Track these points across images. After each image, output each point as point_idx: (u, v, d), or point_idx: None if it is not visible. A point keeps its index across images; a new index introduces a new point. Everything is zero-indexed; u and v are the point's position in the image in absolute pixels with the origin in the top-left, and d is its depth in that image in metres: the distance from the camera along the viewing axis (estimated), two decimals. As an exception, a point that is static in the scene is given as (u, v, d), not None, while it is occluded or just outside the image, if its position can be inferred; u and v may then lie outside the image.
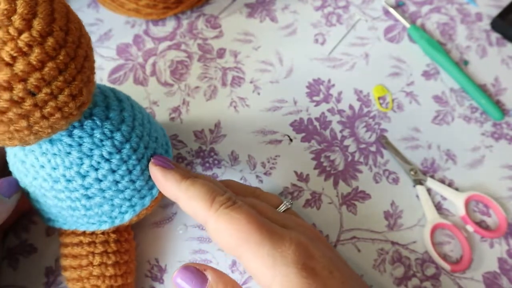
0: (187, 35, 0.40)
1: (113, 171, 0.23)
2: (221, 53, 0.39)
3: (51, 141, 0.21)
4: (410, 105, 0.37)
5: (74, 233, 0.26)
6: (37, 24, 0.17)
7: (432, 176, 0.33)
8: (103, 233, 0.26)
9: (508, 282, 0.30)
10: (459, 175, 0.34)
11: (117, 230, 0.27)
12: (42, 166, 0.22)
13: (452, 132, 0.35)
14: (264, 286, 0.20)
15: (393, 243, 0.31)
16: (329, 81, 0.37)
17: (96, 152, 0.22)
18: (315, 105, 0.36)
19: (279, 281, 0.19)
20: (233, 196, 0.22)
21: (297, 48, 0.39)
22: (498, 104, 0.36)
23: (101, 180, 0.23)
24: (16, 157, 0.24)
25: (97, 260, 0.25)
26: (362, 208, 0.32)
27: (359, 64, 0.38)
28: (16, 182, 0.25)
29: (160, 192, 0.25)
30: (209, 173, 0.33)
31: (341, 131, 0.35)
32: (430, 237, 0.30)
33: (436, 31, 0.40)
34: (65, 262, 0.26)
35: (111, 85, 0.33)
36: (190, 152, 0.34)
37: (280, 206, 0.25)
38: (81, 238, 0.26)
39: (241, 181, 0.33)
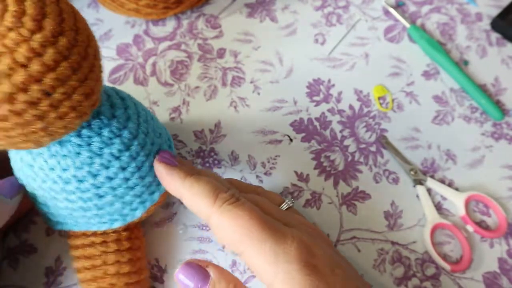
0: (187, 35, 0.40)
1: (123, 168, 0.23)
2: (221, 53, 0.39)
3: (60, 143, 0.21)
4: (410, 105, 0.37)
5: (84, 234, 0.26)
6: (48, 24, 0.17)
7: (432, 176, 0.33)
8: (114, 231, 0.26)
9: (508, 282, 0.30)
10: (459, 175, 0.34)
11: (128, 228, 0.27)
12: (52, 169, 0.22)
13: (452, 132, 0.35)
14: (266, 283, 0.20)
15: (393, 243, 0.31)
16: (329, 81, 0.37)
17: (106, 150, 0.22)
18: (315, 105, 0.36)
19: (282, 278, 0.19)
20: (236, 193, 0.22)
21: (297, 48, 0.39)
22: (498, 104, 0.36)
23: (112, 178, 0.23)
24: (22, 162, 0.23)
25: (111, 258, 0.26)
26: (362, 208, 0.32)
27: (359, 64, 0.38)
28: (18, 183, 0.25)
29: None
30: (209, 173, 0.33)
31: (341, 131, 0.35)
32: (430, 237, 0.30)
33: (436, 31, 0.40)
34: (78, 264, 0.26)
35: (111, 85, 0.33)
36: (190, 152, 0.34)
37: (282, 205, 0.25)
38: (93, 238, 0.26)
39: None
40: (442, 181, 0.33)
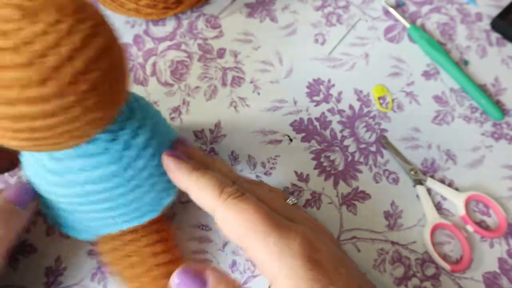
0: (187, 35, 0.40)
1: (154, 155, 0.23)
2: (221, 53, 0.39)
3: (90, 142, 0.21)
4: (410, 105, 0.37)
5: (114, 237, 0.26)
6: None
7: (432, 176, 0.33)
8: (143, 227, 0.26)
9: (508, 282, 0.30)
10: (459, 175, 0.34)
11: (154, 222, 0.26)
12: (82, 169, 0.22)
13: (452, 132, 0.35)
14: (269, 277, 0.20)
15: (393, 243, 0.31)
16: (329, 81, 0.37)
17: (133, 142, 0.22)
18: (315, 105, 0.36)
19: (285, 273, 0.19)
20: (241, 188, 0.22)
21: (297, 48, 0.39)
22: (498, 104, 0.36)
23: (143, 168, 0.23)
24: (48, 172, 0.23)
25: (148, 252, 0.25)
26: (362, 208, 0.32)
27: (359, 64, 0.38)
28: (32, 190, 0.24)
29: None
30: (209, 173, 0.33)
31: (341, 131, 0.35)
32: (430, 237, 0.30)
33: (436, 31, 0.40)
34: (115, 267, 0.26)
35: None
36: (190, 152, 0.34)
37: (287, 200, 0.25)
38: (123, 238, 0.26)
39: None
40: (442, 181, 0.33)
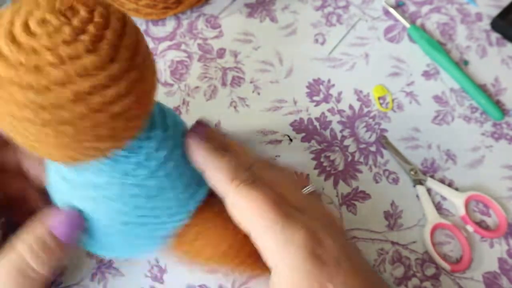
0: (187, 35, 0.40)
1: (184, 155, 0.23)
2: (221, 53, 0.39)
3: (130, 150, 0.21)
4: (410, 105, 0.36)
5: (181, 233, 0.25)
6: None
7: (432, 176, 0.33)
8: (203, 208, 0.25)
9: (508, 282, 0.30)
10: (459, 175, 0.34)
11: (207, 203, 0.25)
12: (126, 174, 0.21)
13: (452, 132, 0.35)
14: (272, 265, 0.20)
15: (393, 243, 0.31)
16: (329, 81, 0.37)
17: (170, 142, 0.22)
18: (315, 105, 0.36)
19: (286, 264, 0.20)
20: (254, 175, 0.22)
21: (297, 48, 0.39)
22: (498, 104, 0.36)
23: (179, 165, 0.23)
24: (93, 189, 0.21)
25: (222, 225, 0.25)
26: (362, 208, 0.32)
27: (359, 64, 0.38)
28: (78, 217, 0.22)
29: None
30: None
31: (341, 131, 0.35)
32: (430, 237, 0.30)
33: (436, 31, 0.40)
34: (199, 252, 0.25)
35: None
36: (190, 152, 0.34)
37: (307, 187, 0.25)
38: (200, 221, 0.25)
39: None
40: (442, 181, 0.33)
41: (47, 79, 0.15)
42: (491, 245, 0.31)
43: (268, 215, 0.20)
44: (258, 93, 0.37)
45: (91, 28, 0.16)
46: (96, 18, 0.16)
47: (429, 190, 0.33)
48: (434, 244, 0.31)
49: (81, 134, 0.17)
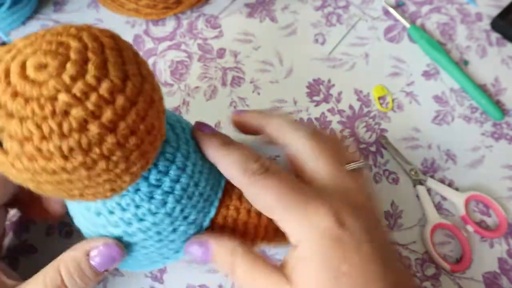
0: (187, 35, 0.40)
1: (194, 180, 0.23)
2: (221, 53, 0.39)
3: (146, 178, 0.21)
4: (410, 105, 0.36)
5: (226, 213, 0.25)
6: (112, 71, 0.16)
7: (432, 176, 0.33)
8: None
9: (508, 282, 0.30)
10: (459, 175, 0.34)
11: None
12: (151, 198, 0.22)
13: (452, 132, 0.35)
14: (293, 243, 0.21)
15: (393, 243, 0.31)
16: (329, 81, 0.37)
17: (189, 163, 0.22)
18: (315, 105, 0.36)
19: (306, 244, 0.20)
20: (266, 163, 0.22)
21: (297, 48, 0.39)
22: (498, 104, 0.36)
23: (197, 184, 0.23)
24: (110, 214, 0.22)
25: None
26: (362, 208, 0.32)
27: (359, 64, 0.38)
28: (117, 250, 0.22)
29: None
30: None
31: (341, 131, 0.35)
32: (430, 237, 0.30)
33: (436, 31, 0.40)
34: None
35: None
36: (190, 152, 0.34)
37: (351, 164, 0.24)
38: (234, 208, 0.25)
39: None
40: (442, 181, 0.33)
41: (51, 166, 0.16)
42: (491, 245, 0.31)
43: (285, 199, 0.21)
44: (258, 93, 0.37)
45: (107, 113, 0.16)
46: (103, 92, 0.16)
47: (429, 190, 0.33)
48: (434, 244, 0.31)
49: (82, 182, 0.17)
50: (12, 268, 0.29)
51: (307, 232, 0.20)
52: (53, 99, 0.15)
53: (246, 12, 0.41)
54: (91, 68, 0.16)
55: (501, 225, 0.31)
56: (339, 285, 0.19)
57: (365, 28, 0.40)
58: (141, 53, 0.38)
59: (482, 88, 0.37)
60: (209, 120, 0.35)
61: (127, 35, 0.39)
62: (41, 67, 0.15)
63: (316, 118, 0.36)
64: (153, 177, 0.21)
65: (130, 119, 0.16)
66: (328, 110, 0.36)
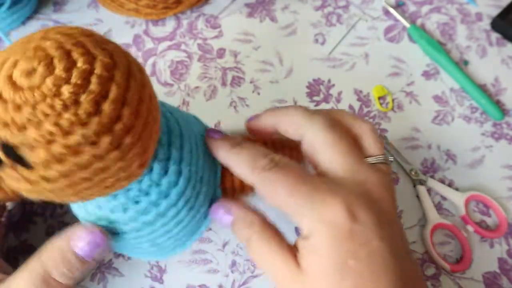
0: (187, 35, 0.40)
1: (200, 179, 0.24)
2: (221, 53, 0.39)
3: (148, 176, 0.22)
4: (410, 105, 0.36)
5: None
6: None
7: (432, 176, 0.33)
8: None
9: (508, 282, 0.30)
10: (459, 175, 0.34)
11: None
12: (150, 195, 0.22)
13: (452, 132, 0.35)
14: (305, 234, 0.21)
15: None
16: (329, 81, 0.37)
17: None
18: (315, 105, 0.36)
19: (317, 236, 0.20)
20: (276, 158, 0.22)
21: (297, 48, 0.39)
22: (498, 104, 0.36)
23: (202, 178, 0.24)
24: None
25: None
26: (362, 208, 0.32)
27: (359, 64, 0.38)
28: (101, 237, 0.22)
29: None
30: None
31: (341, 131, 0.35)
32: (430, 237, 0.30)
33: (436, 31, 0.40)
34: None
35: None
36: (190, 152, 0.34)
37: (370, 158, 0.23)
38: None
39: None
40: (442, 181, 0.33)
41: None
42: (491, 245, 0.31)
43: (296, 192, 0.21)
44: (258, 93, 0.37)
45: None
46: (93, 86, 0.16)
47: (429, 190, 0.33)
48: (434, 244, 0.31)
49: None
50: (12, 268, 0.29)
51: (318, 224, 0.20)
52: (57, 94, 0.15)
53: (246, 12, 0.41)
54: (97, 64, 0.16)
55: (501, 225, 0.31)
56: (345, 278, 0.19)
57: (365, 28, 0.40)
58: (141, 53, 0.38)
59: (482, 88, 0.37)
60: (209, 120, 0.35)
61: (127, 35, 0.39)
62: (30, 72, 0.15)
63: (316, 118, 0.36)
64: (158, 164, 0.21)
65: (136, 92, 0.17)
66: (328, 110, 0.36)
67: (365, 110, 0.36)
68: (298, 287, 0.20)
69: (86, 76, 0.15)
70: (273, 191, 0.21)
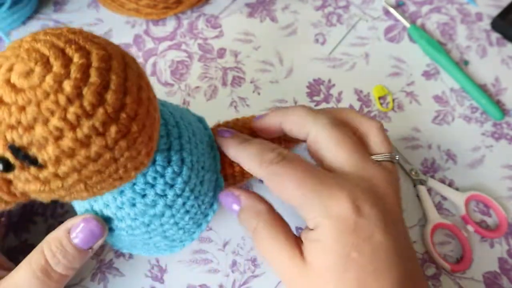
0: (187, 35, 0.40)
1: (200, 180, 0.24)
2: (221, 53, 0.39)
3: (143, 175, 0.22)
4: (410, 105, 0.37)
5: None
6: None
7: (432, 176, 0.33)
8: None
9: (508, 282, 0.30)
10: (459, 175, 0.34)
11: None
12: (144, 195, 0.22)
13: (452, 132, 0.35)
14: (311, 227, 0.21)
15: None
16: (329, 81, 0.37)
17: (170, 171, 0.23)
18: (315, 105, 0.36)
19: (322, 230, 0.20)
20: (283, 152, 0.23)
21: (297, 48, 0.39)
22: (498, 104, 0.36)
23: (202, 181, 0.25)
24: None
25: None
26: (363, 208, 0.32)
27: (359, 64, 0.38)
28: (98, 226, 0.23)
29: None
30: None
31: (341, 131, 0.35)
32: (430, 237, 0.30)
33: (436, 31, 0.40)
34: None
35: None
36: (190, 152, 0.34)
37: (376, 156, 0.23)
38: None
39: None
40: (442, 181, 0.33)
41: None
42: (492, 245, 0.31)
43: (303, 185, 0.21)
44: (259, 93, 0.37)
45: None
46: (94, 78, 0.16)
47: (429, 190, 0.33)
48: (434, 244, 0.31)
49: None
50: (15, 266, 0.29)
51: (323, 217, 0.20)
52: (60, 90, 0.15)
53: (247, 12, 0.41)
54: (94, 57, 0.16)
55: (501, 225, 0.31)
56: (348, 270, 0.19)
57: (365, 28, 0.40)
58: (141, 53, 0.38)
59: (482, 88, 0.37)
60: (209, 120, 0.35)
61: (127, 35, 0.39)
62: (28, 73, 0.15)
63: (316, 118, 0.36)
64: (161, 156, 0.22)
65: (134, 82, 0.17)
66: (328, 110, 0.36)
67: (365, 110, 0.36)
68: (301, 278, 0.21)
69: (85, 69, 0.16)
70: (281, 184, 0.22)
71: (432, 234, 0.31)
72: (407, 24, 0.40)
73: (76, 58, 0.16)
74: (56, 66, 0.15)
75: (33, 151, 0.15)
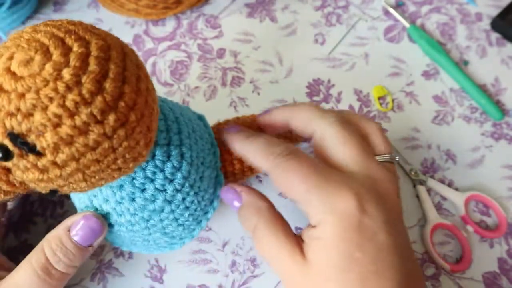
0: (187, 35, 0.40)
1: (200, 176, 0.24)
2: (221, 53, 0.39)
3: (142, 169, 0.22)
4: (410, 105, 0.36)
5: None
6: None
7: (432, 176, 0.33)
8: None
9: (508, 282, 0.30)
10: (459, 175, 0.34)
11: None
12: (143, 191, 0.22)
13: (452, 132, 0.35)
14: (313, 223, 0.21)
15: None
16: (329, 81, 0.37)
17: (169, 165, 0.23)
18: (315, 105, 0.36)
19: (325, 227, 0.20)
20: (290, 146, 0.23)
21: (297, 48, 0.39)
22: (498, 104, 0.36)
23: (202, 178, 0.25)
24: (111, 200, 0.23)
25: None
26: (362, 208, 0.32)
27: (359, 64, 0.38)
28: (97, 224, 0.23)
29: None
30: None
31: (341, 131, 0.35)
32: (430, 237, 0.30)
33: (436, 31, 0.40)
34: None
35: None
36: (190, 152, 0.34)
37: (378, 157, 0.24)
38: None
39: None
40: (442, 181, 0.33)
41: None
42: (491, 245, 0.31)
43: (308, 180, 0.21)
44: (258, 93, 0.37)
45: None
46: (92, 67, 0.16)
47: (429, 190, 0.33)
48: (434, 244, 0.31)
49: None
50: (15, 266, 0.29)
51: (327, 214, 0.20)
52: (59, 78, 0.15)
53: (246, 12, 0.41)
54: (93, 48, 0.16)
55: (501, 225, 0.31)
56: (351, 270, 0.19)
57: (365, 28, 0.40)
58: (140, 53, 0.38)
59: (482, 88, 0.37)
60: (209, 120, 0.35)
61: (127, 35, 0.39)
62: (28, 62, 0.15)
63: (316, 118, 0.36)
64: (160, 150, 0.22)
65: (134, 73, 0.17)
66: (328, 110, 0.36)
67: (365, 110, 0.36)
68: (301, 276, 0.20)
69: (84, 58, 0.16)
70: (286, 178, 0.21)
71: (431, 234, 0.31)
72: (407, 24, 0.40)
73: (75, 47, 0.16)
74: (56, 54, 0.15)
75: (32, 138, 0.15)
